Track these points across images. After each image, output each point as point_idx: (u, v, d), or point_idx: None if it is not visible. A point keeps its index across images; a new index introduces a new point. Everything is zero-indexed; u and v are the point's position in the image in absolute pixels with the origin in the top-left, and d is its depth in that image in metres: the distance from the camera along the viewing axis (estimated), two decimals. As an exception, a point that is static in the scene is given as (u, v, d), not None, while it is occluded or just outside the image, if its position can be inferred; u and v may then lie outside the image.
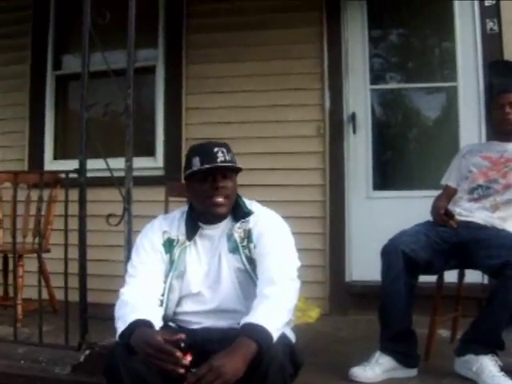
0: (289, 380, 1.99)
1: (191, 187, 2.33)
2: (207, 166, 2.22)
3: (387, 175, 4.83)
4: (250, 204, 2.39)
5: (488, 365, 2.72)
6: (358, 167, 4.66)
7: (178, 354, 1.84)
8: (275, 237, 2.28)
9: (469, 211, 3.12)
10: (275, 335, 1.96)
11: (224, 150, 2.26)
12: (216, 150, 2.25)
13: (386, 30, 4.93)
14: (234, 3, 4.74)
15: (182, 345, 1.95)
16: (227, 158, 2.25)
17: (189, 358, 1.92)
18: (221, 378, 1.80)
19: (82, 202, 3.12)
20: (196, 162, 2.25)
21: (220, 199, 2.24)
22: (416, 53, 4.87)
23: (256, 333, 1.91)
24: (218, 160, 2.23)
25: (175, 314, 2.31)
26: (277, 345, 1.95)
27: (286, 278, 2.16)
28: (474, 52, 4.48)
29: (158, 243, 2.32)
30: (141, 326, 2.00)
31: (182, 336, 1.90)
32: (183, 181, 2.41)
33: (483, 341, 2.79)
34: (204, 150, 2.28)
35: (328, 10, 4.64)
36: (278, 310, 2.05)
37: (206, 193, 2.25)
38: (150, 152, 4.90)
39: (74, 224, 3.18)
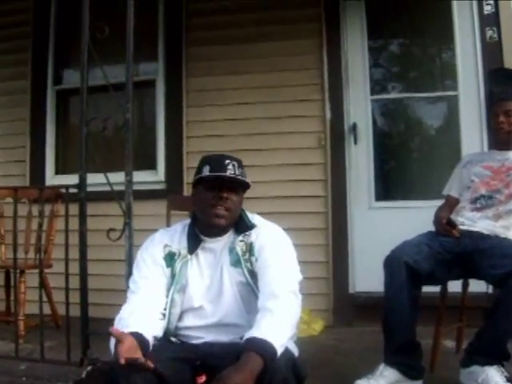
0: (292, 394, 1.96)
1: (196, 194, 2.33)
2: (215, 174, 2.23)
3: (389, 185, 4.82)
4: (253, 217, 2.38)
5: (494, 376, 2.70)
6: (360, 178, 4.65)
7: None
8: (276, 250, 2.26)
9: (471, 221, 3.11)
10: (279, 351, 1.94)
11: (235, 164, 2.26)
12: (227, 162, 2.25)
13: (385, 40, 4.94)
14: (234, 16, 4.74)
15: (198, 362, 1.95)
16: (237, 171, 2.25)
17: (204, 378, 1.92)
18: None
19: (83, 216, 3.11)
20: (205, 170, 2.25)
21: (221, 211, 2.23)
22: (416, 62, 4.87)
23: (262, 348, 1.89)
24: (228, 172, 2.23)
25: (177, 328, 2.29)
26: (280, 358, 1.93)
27: (288, 291, 2.14)
28: (474, 61, 4.48)
29: (159, 257, 2.31)
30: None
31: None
32: (191, 188, 2.41)
33: (488, 351, 2.77)
34: (215, 160, 2.28)
35: (327, 22, 4.64)
36: (282, 324, 2.04)
37: (210, 201, 2.24)
38: (151, 165, 4.89)
39: (74, 239, 3.17)
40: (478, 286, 3.50)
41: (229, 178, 2.23)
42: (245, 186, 2.31)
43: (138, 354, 1.92)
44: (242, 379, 1.80)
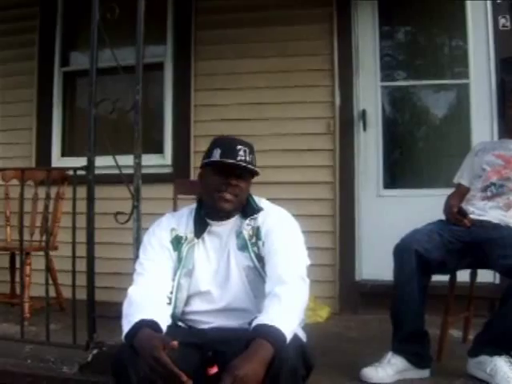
0: (301, 382, 1.95)
1: (204, 176, 2.31)
2: (225, 160, 2.20)
3: (398, 173, 4.80)
4: (260, 201, 2.36)
5: (502, 366, 2.68)
6: (369, 165, 4.62)
7: (184, 378, 1.80)
8: (284, 234, 2.25)
9: (482, 210, 3.09)
10: (289, 337, 1.92)
11: (246, 150, 2.23)
12: (239, 147, 2.22)
13: (397, 27, 4.89)
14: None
15: (210, 353, 1.94)
16: (247, 158, 2.22)
17: (215, 370, 1.90)
18: None
19: (91, 199, 3.09)
20: (216, 153, 2.22)
21: (228, 196, 2.22)
22: (428, 50, 4.82)
23: (272, 335, 1.87)
24: (238, 158, 2.20)
25: (184, 313, 2.28)
26: (288, 346, 1.91)
27: (296, 276, 2.13)
28: (487, 49, 4.43)
29: (165, 240, 2.30)
30: (145, 326, 1.98)
31: (175, 343, 1.85)
32: (199, 168, 2.39)
33: (497, 342, 2.75)
34: (227, 144, 2.25)
35: (338, 7, 4.60)
36: (290, 311, 2.02)
37: (217, 186, 2.22)
38: (158, 149, 4.88)
39: (81, 222, 3.15)
40: (485, 276, 3.50)
41: (239, 166, 2.21)
42: (254, 173, 2.29)
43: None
44: (252, 369, 1.79)
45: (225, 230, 2.30)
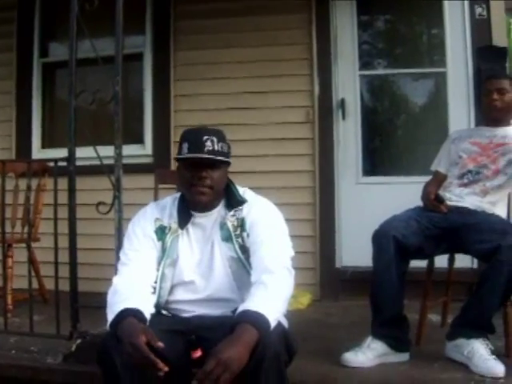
0: (283, 367, 1.98)
1: (179, 171, 2.33)
2: (191, 154, 2.20)
3: (376, 161, 4.85)
4: (244, 192, 2.37)
5: (479, 348, 2.73)
6: (348, 153, 4.67)
7: (160, 365, 1.84)
8: (269, 225, 2.26)
9: (459, 196, 3.13)
10: (273, 324, 1.95)
11: (214, 139, 2.22)
12: (205, 138, 2.21)
13: (374, 16, 4.92)
14: (222, -11, 4.70)
15: (193, 337, 1.97)
16: (216, 147, 2.21)
17: (199, 353, 1.93)
18: (229, 370, 1.79)
19: (72, 190, 3.09)
20: (184, 147, 2.23)
21: (202, 188, 2.22)
22: (405, 39, 4.87)
23: (256, 320, 1.90)
24: (205, 149, 2.19)
25: (168, 302, 2.30)
26: (272, 332, 1.94)
27: (282, 266, 2.15)
28: (463, 37, 4.49)
29: (150, 230, 2.31)
30: (129, 315, 2.00)
31: (161, 345, 1.88)
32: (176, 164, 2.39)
33: (474, 325, 2.81)
34: (193, 137, 2.24)
35: (317, -4, 4.61)
36: (276, 299, 2.05)
37: (190, 180, 2.23)
38: (138, 139, 4.88)
39: (62, 213, 3.15)
40: (463, 261, 3.56)
41: (203, 159, 2.20)
42: (225, 161, 2.28)
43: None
44: (237, 353, 1.81)
45: (208, 221, 2.32)
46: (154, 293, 2.25)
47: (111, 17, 3.07)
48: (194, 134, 2.26)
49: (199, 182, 2.21)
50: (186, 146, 2.23)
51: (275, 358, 1.92)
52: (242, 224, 2.28)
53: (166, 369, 1.85)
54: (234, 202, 2.32)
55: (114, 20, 3.05)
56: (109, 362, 1.96)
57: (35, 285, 3.96)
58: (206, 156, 2.19)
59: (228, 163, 2.30)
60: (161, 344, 1.88)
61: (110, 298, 2.15)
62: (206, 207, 2.31)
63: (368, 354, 2.84)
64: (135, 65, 4.94)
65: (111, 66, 3.04)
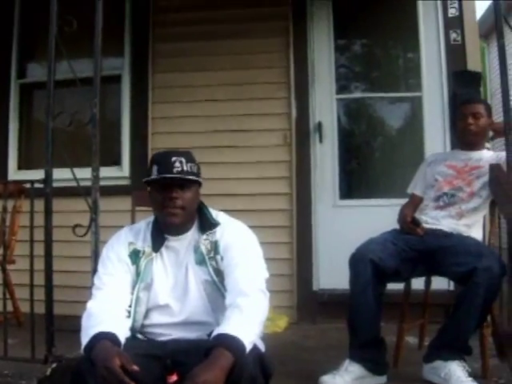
0: (259, 390, 1.97)
1: (150, 195, 2.33)
2: (160, 175, 2.21)
3: (353, 184, 4.88)
4: (217, 215, 2.37)
5: (456, 370, 2.75)
6: (325, 176, 4.69)
7: None
8: (243, 248, 2.26)
9: (435, 219, 3.17)
10: (248, 347, 1.95)
11: (183, 160, 2.23)
12: (174, 159, 2.22)
13: (352, 41, 4.99)
14: (201, 13, 4.73)
15: (168, 361, 1.96)
16: (185, 168, 2.22)
17: (175, 378, 1.91)
18: None
19: (48, 212, 3.07)
20: (154, 170, 2.24)
21: (173, 210, 2.22)
22: (382, 63, 4.94)
23: (232, 344, 1.90)
24: (174, 170, 2.20)
25: (143, 326, 2.28)
26: (248, 355, 1.93)
27: (257, 289, 2.15)
28: (438, 62, 4.56)
29: (124, 254, 2.30)
30: (103, 338, 1.98)
31: (136, 368, 1.86)
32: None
33: (451, 347, 2.83)
34: (162, 159, 2.26)
35: (294, 21, 4.67)
36: (251, 322, 2.04)
37: (161, 202, 2.23)
38: (115, 161, 4.87)
39: (39, 235, 3.13)
40: (440, 283, 3.57)
41: (176, 178, 2.21)
42: (195, 181, 2.29)
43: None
44: (212, 376, 1.81)
45: (182, 244, 2.32)
46: (128, 316, 2.23)
47: (89, 39, 3.09)
48: (163, 156, 2.28)
49: (170, 203, 2.21)
50: (155, 168, 2.24)
51: (251, 381, 1.92)
52: (215, 247, 2.28)
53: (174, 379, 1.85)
54: (206, 224, 2.32)
55: (92, 42, 3.06)
56: (83, 386, 1.94)
57: (9, 307, 3.91)
58: (175, 176, 2.20)
59: (198, 184, 2.31)
60: (135, 367, 1.86)
61: (84, 321, 2.13)
62: (179, 229, 2.31)
63: (345, 376, 2.84)
64: (113, 87, 4.93)
65: (89, 88, 3.06)
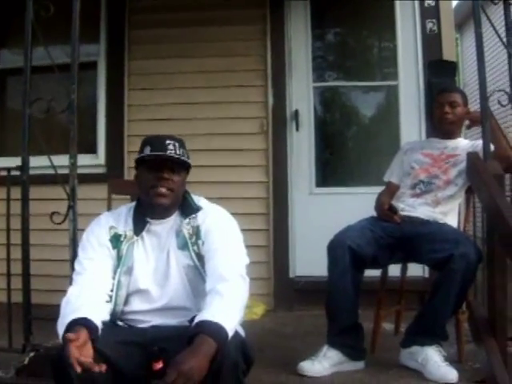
0: (242, 376, 1.98)
1: (139, 175, 2.33)
2: (155, 153, 2.22)
3: (330, 172, 4.90)
4: (199, 200, 2.38)
5: (433, 355, 2.80)
6: (301, 164, 4.70)
7: (96, 368, 1.83)
8: (223, 233, 2.27)
9: (411, 206, 3.19)
10: (230, 334, 1.96)
11: (176, 144, 2.24)
12: (168, 142, 2.23)
13: (329, 29, 5.00)
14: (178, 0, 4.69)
15: (155, 348, 1.97)
16: (178, 151, 2.23)
17: (160, 365, 1.91)
18: (190, 381, 1.79)
19: (25, 200, 3.04)
20: (146, 150, 2.24)
21: (163, 190, 2.23)
22: (358, 52, 4.95)
23: (214, 331, 1.90)
24: (168, 152, 2.22)
25: (123, 313, 2.27)
26: (230, 342, 1.94)
27: (236, 274, 2.16)
28: (415, 52, 4.59)
29: (104, 239, 2.29)
30: (77, 325, 1.97)
31: (72, 336, 1.87)
32: (134, 169, 2.39)
33: (428, 332, 2.87)
34: (156, 141, 2.27)
35: (272, 8, 4.66)
36: (232, 308, 2.05)
37: (151, 182, 2.24)
38: (91, 149, 4.81)
39: (15, 224, 3.10)
40: (415, 270, 3.62)
41: (169, 158, 2.22)
42: (187, 167, 2.31)
43: (90, 354, 1.89)
44: (197, 363, 1.81)
45: (164, 228, 2.32)
46: (109, 301, 2.23)
47: (65, 24, 3.04)
48: (156, 138, 2.29)
49: (160, 183, 2.22)
50: (148, 148, 2.25)
51: (233, 368, 1.93)
52: (197, 232, 2.28)
53: (104, 367, 1.84)
54: (188, 210, 2.33)
55: (68, 28, 3.01)
56: (64, 375, 1.92)
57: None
58: (170, 155, 2.21)
59: (187, 170, 2.32)
60: (71, 335, 1.86)
61: (62, 308, 2.12)
62: (163, 213, 2.31)
63: (324, 362, 2.87)
64: (89, 74, 4.86)
65: (65, 75, 3.01)
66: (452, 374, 2.71)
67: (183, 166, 2.29)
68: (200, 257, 2.26)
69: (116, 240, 2.29)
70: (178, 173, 2.27)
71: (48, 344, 2.96)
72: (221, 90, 4.64)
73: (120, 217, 2.35)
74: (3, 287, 3.17)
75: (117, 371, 1.98)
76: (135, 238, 2.29)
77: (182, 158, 2.25)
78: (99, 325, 2.05)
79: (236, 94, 4.64)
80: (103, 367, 1.84)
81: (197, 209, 2.32)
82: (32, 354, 2.95)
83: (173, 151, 2.22)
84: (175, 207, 2.33)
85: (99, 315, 2.09)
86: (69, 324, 1.98)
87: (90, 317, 2.02)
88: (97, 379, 1.88)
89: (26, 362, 2.93)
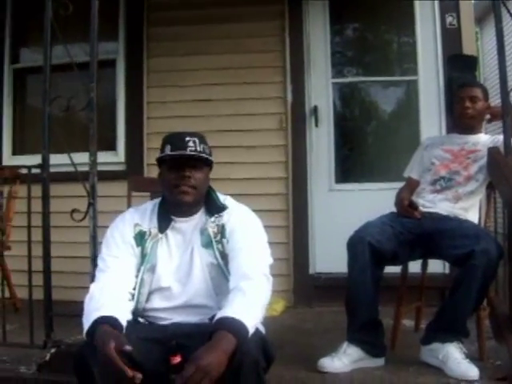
0: (262, 373, 1.97)
1: (162, 174, 2.33)
2: (174, 153, 2.22)
3: (349, 168, 4.88)
4: (224, 199, 2.38)
5: (453, 352, 2.77)
6: (320, 160, 4.69)
7: (128, 372, 1.82)
8: (248, 233, 2.28)
9: (432, 202, 3.17)
10: (251, 331, 1.96)
11: (196, 140, 2.24)
12: (188, 139, 2.23)
13: (347, 25, 4.98)
14: (197, -4, 4.70)
15: (173, 343, 1.96)
16: (198, 148, 2.23)
17: (178, 359, 1.92)
18: (208, 377, 1.79)
19: (46, 197, 3.06)
20: (167, 149, 2.25)
21: (185, 188, 2.23)
22: (377, 47, 4.93)
23: (235, 327, 1.90)
24: (188, 149, 2.21)
25: (145, 310, 2.28)
26: (250, 339, 1.94)
27: (260, 273, 2.16)
28: (434, 46, 4.56)
29: (128, 236, 2.29)
30: (104, 323, 1.98)
31: (128, 348, 1.86)
32: (157, 168, 2.39)
33: (448, 329, 2.84)
34: (176, 139, 2.26)
35: (290, 4, 4.65)
36: (254, 306, 2.05)
37: (173, 181, 2.24)
38: (110, 146, 4.85)
39: (35, 221, 3.13)
40: (435, 266, 3.59)
41: (189, 156, 2.22)
42: (209, 162, 2.31)
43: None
44: (215, 359, 1.81)
45: (189, 226, 2.32)
46: (131, 299, 2.24)
47: (83, 23, 3.06)
48: (176, 136, 2.29)
49: (182, 182, 2.22)
50: (168, 147, 2.25)
51: (253, 365, 1.92)
52: (222, 230, 2.28)
53: (140, 376, 1.83)
54: (214, 208, 2.33)
55: (87, 26, 3.04)
56: (86, 371, 1.94)
57: (6, 293, 3.91)
58: (190, 153, 2.21)
59: (210, 166, 2.33)
60: (128, 347, 1.86)
61: (86, 305, 2.13)
62: (188, 211, 2.31)
63: (344, 359, 2.86)
64: (108, 72, 4.89)
65: (84, 73, 3.03)
66: (473, 371, 2.68)
67: (205, 162, 2.29)
68: (224, 255, 2.27)
69: (140, 237, 2.30)
70: (200, 169, 2.27)
71: (69, 340, 3.00)
72: (239, 86, 4.64)
73: (145, 214, 2.36)
74: (25, 284, 3.20)
75: (137, 367, 1.99)
76: (159, 235, 2.30)
77: (203, 154, 2.25)
78: (124, 324, 2.07)
79: (255, 90, 4.64)
80: (138, 375, 1.84)
81: (222, 207, 2.33)
82: (53, 350, 2.98)
83: (193, 148, 2.22)
84: (200, 204, 2.33)
85: (124, 315, 2.10)
86: (95, 320, 1.99)
87: (116, 315, 2.03)
88: (118, 375, 1.87)
89: (47, 357, 2.96)
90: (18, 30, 5.11)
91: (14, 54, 5.13)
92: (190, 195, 2.24)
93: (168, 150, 2.24)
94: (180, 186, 2.23)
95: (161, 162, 2.31)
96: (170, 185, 2.27)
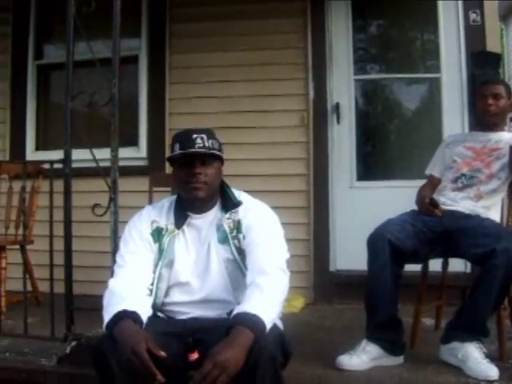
0: (280, 370, 1.98)
1: (173, 173, 2.37)
2: (182, 151, 2.24)
3: (371, 165, 4.86)
4: (239, 194, 2.40)
5: (473, 352, 2.75)
6: (342, 157, 4.67)
7: (159, 377, 1.84)
8: (265, 228, 2.29)
9: (453, 200, 3.15)
10: (268, 326, 1.97)
11: (204, 137, 2.26)
12: (195, 136, 2.26)
13: (370, 21, 4.94)
14: (219, -7, 4.70)
15: (190, 339, 1.98)
16: (206, 144, 2.25)
17: (196, 356, 1.93)
18: (226, 372, 1.81)
19: (68, 192, 3.09)
20: (176, 148, 2.28)
21: (197, 184, 2.25)
22: (400, 44, 4.90)
23: (253, 323, 1.92)
24: (196, 146, 2.24)
25: (163, 304, 2.31)
26: (268, 334, 1.95)
27: (277, 268, 2.18)
28: (457, 43, 4.51)
29: (146, 233, 2.32)
30: (125, 317, 2.01)
31: (163, 354, 1.88)
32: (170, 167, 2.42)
33: (468, 328, 2.82)
34: (183, 137, 2.30)
35: (312, 1, 4.63)
36: (271, 301, 2.07)
37: (184, 179, 2.27)
38: (132, 142, 4.87)
39: (57, 215, 3.16)
40: (457, 265, 3.57)
41: (197, 153, 2.24)
42: (219, 156, 2.32)
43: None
44: (233, 354, 1.82)
45: (204, 222, 2.34)
46: (150, 295, 2.26)
47: (106, 19, 3.09)
48: (184, 134, 2.32)
49: (193, 179, 2.25)
50: (177, 146, 2.28)
51: (271, 361, 1.93)
52: (238, 226, 2.30)
53: (164, 380, 1.85)
54: (229, 204, 2.35)
55: (109, 22, 3.07)
56: (105, 363, 1.97)
57: (28, 287, 3.95)
58: (197, 151, 2.23)
59: (221, 159, 2.34)
60: (163, 353, 1.88)
61: (106, 299, 2.16)
62: (202, 207, 2.33)
63: (363, 357, 2.85)
64: (130, 67, 4.92)
65: (106, 69, 3.07)
66: (493, 371, 2.65)
67: (215, 157, 2.31)
68: (240, 251, 2.28)
69: (158, 234, 2.33)
70: (211, 164, 2.29)
71: (89, 333, 3.02)
72: (261, 83, 4.64)
73: (162, 210, 2.39)
74: (46, 277, 3.23)
75: (157, 364, 2.00)
76: (176, 231, 2.32)
77: (211, 151, 2.27)
78: (144, 319, 2.09)
79: (276, 87, 4.63)
80: (163, 379, 1.86)
81: (237, 203, 2.34)
82: (74, 343, 3.01)
83: (201, 145, 2.24)
84: (214, 200, 2.35)
85: (144, 310, 2.13)
86: (117, 313, 2.02)
87: (137, 310, 2.05)
88: (141, 374, 1.89)
89: (67, 350, 2.99)
90: (41, 28, 5.17)
91: (38, 50, 5.17)
92: (201, 191, 2.26)
93: (177, 149, 2.27)
94: (191, 182, 2.25)
95: (172, 160, 2.34)
96: (181, 182, 2.30)
